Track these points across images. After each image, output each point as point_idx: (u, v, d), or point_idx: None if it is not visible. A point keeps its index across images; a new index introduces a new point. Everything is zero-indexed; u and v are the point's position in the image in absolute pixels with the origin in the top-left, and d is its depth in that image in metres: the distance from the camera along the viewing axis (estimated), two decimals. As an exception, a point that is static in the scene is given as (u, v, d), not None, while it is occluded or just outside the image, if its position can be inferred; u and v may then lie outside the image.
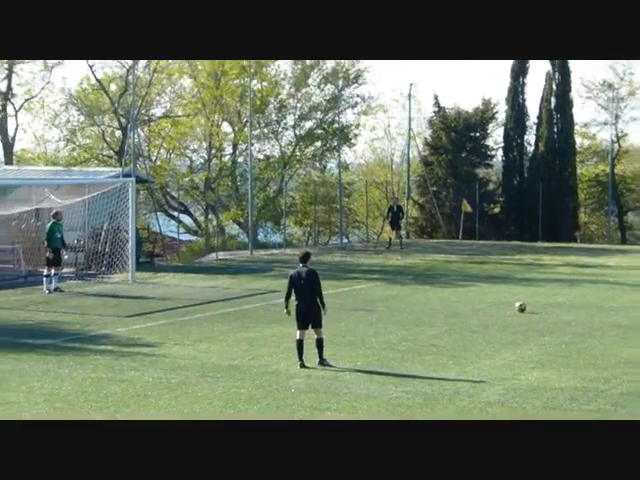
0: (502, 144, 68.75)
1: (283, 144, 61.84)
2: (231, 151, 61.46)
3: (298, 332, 20.89)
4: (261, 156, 60.98)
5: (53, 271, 33.22)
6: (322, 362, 20.59)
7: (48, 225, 34.61)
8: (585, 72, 70.94)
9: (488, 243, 58.60)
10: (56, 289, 32.90)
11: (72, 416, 16.23)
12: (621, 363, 21.50)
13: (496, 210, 68.55)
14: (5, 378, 19.52)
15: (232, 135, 60.20)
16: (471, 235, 62.45)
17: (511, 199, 67.04)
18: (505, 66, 67.28)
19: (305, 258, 21.49)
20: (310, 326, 20.84)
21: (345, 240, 61.86)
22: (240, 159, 60.64)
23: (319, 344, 20.73)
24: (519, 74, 67.25)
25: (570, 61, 66.77)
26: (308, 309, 20.87)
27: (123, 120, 54.88)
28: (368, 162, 73.85)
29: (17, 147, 56.49)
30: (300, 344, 20.80)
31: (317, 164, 64.69)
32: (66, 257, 34.90)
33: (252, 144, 55.99)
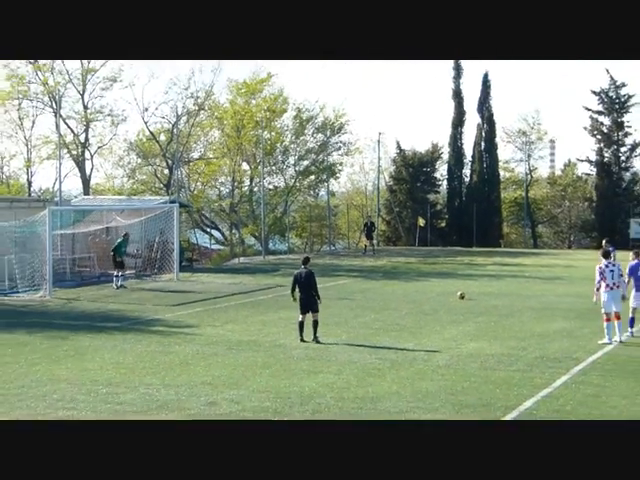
0: (446, 176, 68.78)
1: (287, 178, 61.80)
2: (249, 183, 61.41)
3: (300, 316, 20.88)
4: (271, 187, 60.88)
5: (120, 272, 33.21)
6: (315, 339, 20.50)
7: (118, 240, 35.07)
8: (505, 123, 70.93)
9: (437, 249, 58.58)
10: (121, 286, 32.87)
11: (126, 381, 16.15)
12: (535, 335, 21.48)
13: (442, 224, 68.54)
14: (84, 352, 19.46)
15: (249, 171, 60.16)
16: (424, 243, 62.45)
17: (453, 216, 67.08)
18: (447, 118, 67.19)
19: (305, 261, 21.66)
20: (310, 312, 20.77)
21: (332, 247, 61.80)
22: (255, 189, 60.56)
23: (315, 325, 20.65)
24: (458, 125, 67.29)
25: (494, 114, 66.95)
26: (307, 299, 20.87)
27: (170, 161, 54.79)
28: (348, 190, 73.85)
29: (92, 182, 56.35)
30: (301, 325, 20.80)
31: (312, 192, 64.70)
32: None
33: (264, 178, 56.11)
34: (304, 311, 20.90)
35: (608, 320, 20.44)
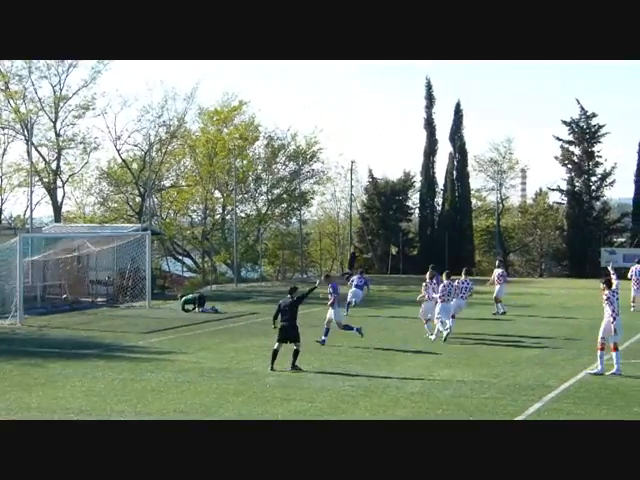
0: (418, 204, 69.13)
1: (259, 205, 61.91)
2: (221, 211, 61.42)
3: (276, 344, 20.59)
4: (243, 214, 60.96)
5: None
6: (294, 367, 20.25)
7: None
8: (477, 152, 71.50)
9: (409, 276, 58.63)
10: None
11: (97, 408, 16.07)
12: (507, 363, 21.54)
13: (415, 252, 68.72)
14: (55, 379, 19.30)
15: (222, 199, 60.19)
16: (397, 271, 62.56)
17: (425, 244, 67.28)
18: (420, 147, 67.60)
19: (291, 291, 21.35)
20: (289, 341, 20.45)
21: (304, 275, 61.77)
22: (227, 217, 60.59)
23: (295, 354, 20.35)
24: (430, 154, 67.74)
25: (466, 143, 67.42)
26: (288, 328, 20.52)
27: (142, 189, 54.74)
28: (321, 218, 74.05)
29: (64, 209, 56.13)
30: (275, 353, 20.50)
31: (284, 220, 64.75)
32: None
33: (236, 206, 56.13)
34: (282, 339, 20.55)
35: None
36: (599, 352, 20.03)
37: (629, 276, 36.09)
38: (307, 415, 15.54)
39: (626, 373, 19.91)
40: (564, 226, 67.83)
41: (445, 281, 26.11)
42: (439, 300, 25.63)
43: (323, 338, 24.80)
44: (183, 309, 34.55)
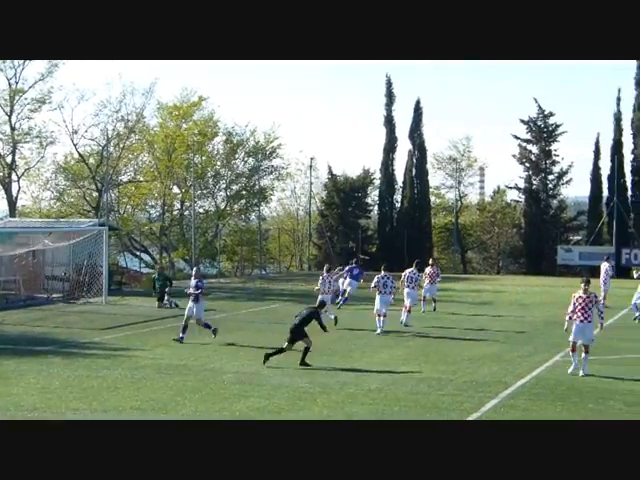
0: (378, 201, 69.30)
1: (218, 201, 61.74)
2: (179, 207, 61.14)
3: (286, 344, 20.64)
4: (201, 210, 60.72)
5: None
6: (303, 363, 20.34)
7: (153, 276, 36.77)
8: (436, 149, 71.88)
9: (368, 273, 58.63)
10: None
11: (52, 406, 15.93)
12: (464, 360, 21.65)
13: (374, 249, 68.90)
14: (9, 376, 19.09)
15: (180, 195, 59.92)
16: (355, 268, 62.57)
17: (384, 241, 67.47)
18: (379, 144, 67.81)
19: (320, 305, 22.47)
20: (299, 341, 20.57)
21: (263, 272, 61.73)
22: (186, 213, 60.34)
23: (305, 351, 20.43)
24: (389, 151, 67.91)
25: (425, 141, 67.76)
26: (297, 330, 20.59)
27: (99, 184, 54.36)
28: (280, 215, 73.99)
29: (19, 204, 55.52)
30: (280, 351, 20.56)
31: (243, 216, 64.63)
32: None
33: (195, 202, 55.93)
34: (291, 340, 20.62)
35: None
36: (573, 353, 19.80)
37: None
38: (265, 412, 15.52)
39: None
40: (521, 224, 68.35)
41: (382, 273, 27.51)
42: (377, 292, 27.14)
43: (181, 335, 24.42)
44: (154, 288, 34.89)
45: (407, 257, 60.19)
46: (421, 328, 27.79)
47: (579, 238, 68.61)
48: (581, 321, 19.54)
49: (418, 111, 68.12)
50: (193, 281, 25.32)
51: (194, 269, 27.56)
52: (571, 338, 19.66)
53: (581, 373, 19.37)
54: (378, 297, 27.16)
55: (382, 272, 27.73)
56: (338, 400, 16.65)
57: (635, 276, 34.42)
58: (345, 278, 35.57)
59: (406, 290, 29.09)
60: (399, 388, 17.86)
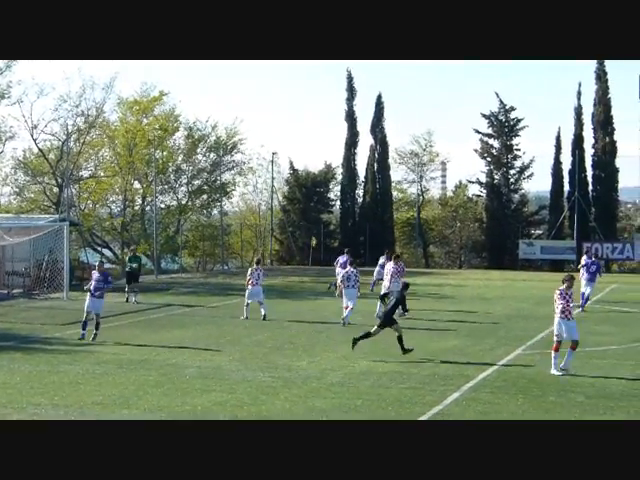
0: (340, 196, 69.43)
1: (179, 197, 61.52)
2: (141, 202, 60.85)
3: (377, 328, 21.31)
4: (163, 205, 60.48)
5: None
6: (403, 350, 21.00)
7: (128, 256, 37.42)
8: (398, 144, 71.88)
9: (330, 268, 58.78)
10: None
11: (13, 401, 15.83)
12: (427, 353, 21.74)
13: (336, 244, 68.90)
14: (-32, 372, 18.92)
15: (141, 190, 59.65)
16: (318, 262, 62.75)
17: (347, 236, 67.52)
18: (341, 139, 67.95)
19: (404, 286, 22.57)
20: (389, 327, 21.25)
21: (225, 267, 61.62)
22: (147, 208, 60.08)
23: (399, 340, 21.10)
24: (351, 146, 68.05)
25: (387, 135, 67.95)
26: (387, 316, 21.37)
27: (59, 179, 53.94)
28: (242, 210, 73.89)
29: (-23, 200, 55.11)
30: (367, 335, 21.32)
31: (204, 211, 64.48)
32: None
33: (156, 197, 55.70)
34: (382, 326, 21.25)
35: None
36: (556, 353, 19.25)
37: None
38: (227, 406, 15.51)
39: (543, 363, 20.29)
40: (483, 218, 68.73)
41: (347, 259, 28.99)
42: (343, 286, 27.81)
43: (82, 332, 23.79)
44: (131, 269, 35.23)
45: (369, 252, 60.49)
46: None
47: (540, 232, 69.17)
48: (571, 318, 19.18)
49: (379, 106, 68.28)
50: (96, 274, 24.35)
51: (97, 262, 26.88)
52: (573, 337, 19.09)
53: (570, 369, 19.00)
54: (343, 291, 27.85)
55: (348, 267, 28.55)
56: (300, 394, 16.67)
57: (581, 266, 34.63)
58: (338, 267, 37.15)
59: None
60: (361, 382, 17.92)
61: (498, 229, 65.50)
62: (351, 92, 68.00)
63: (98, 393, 16.58)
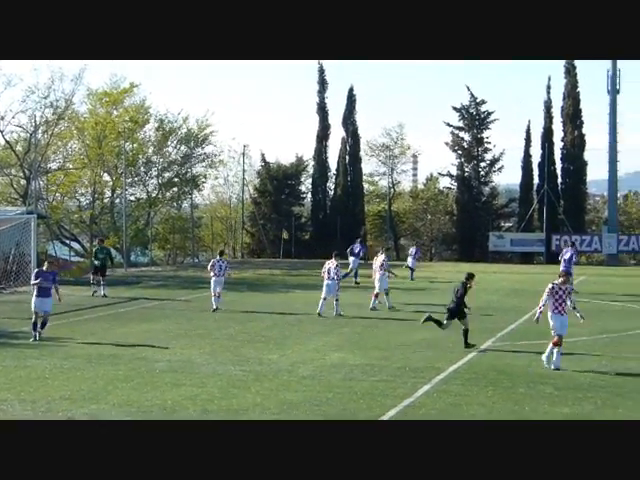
0: (311, 189, 69.40)
1: (149, 189, 61.20)
2: (110, 195, 60.48)
3: (445, 321, 21.93)
4: (133, 198, 60.19)
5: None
6: (467, 345, 21.24)
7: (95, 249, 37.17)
8: (369, 137, 72.10)
9: (301, 261, 58.89)
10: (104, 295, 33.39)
11: (-13, 395, 15.65)
12: (398, 346, 21.77)
13: (307, 237, 69.01)
14: None
15: (111, 183, 59.29)
16: (289, 255, 62.70)
17: (318, 229, 67.64)
18: (312, 132, 68.02)
19: (468, 277, 22.31)
20: (457, 319, 21.56)
21: (196, 260, 61.42)
22: (117, 200, 59.73)
23: (464, 333, 21.36)
24: (322, 139, 68.05)
25: (358, 128, 67.99)
26: (454, 308, 21.59)
27: (27, 172, 53.50)
28: (213, 202, 73.67)
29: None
30: (438, 322, 21.99)
31: (175, 204, 64.23)
32: None
33: (126, 189, 55.40)
34: (450, 317, 21.69)
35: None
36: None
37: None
38: (197, 400, 15.42)
39: (513, 354, 20.37)
40: (454, 211, 68.97)
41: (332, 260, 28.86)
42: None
43: (34, 334, 22.69)
44: (97, 258, 35.08)
45: (340, 244, 60.46)
46: (355, 315, 27.87)
47: (510, 225, 69.58)
48: (564, 313, 18.78)
49: (351, 98, 68.29)
50: (44, 272, 23.37)
51: (48, 261, 25.23)
52: (562, 332, 18.64)
53: (552, 366, 18.64)
54: (324, 282, 28.38)
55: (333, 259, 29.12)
56: (272, 387, 16.61)
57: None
58: (350, 256, 41.35)
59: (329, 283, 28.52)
60: (333, 375, 17.89)
61: (468, 222, 65.74)
62: (323, 85, 67.99)
63: (66, 388, 16.43)
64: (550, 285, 18.97)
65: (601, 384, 17.22)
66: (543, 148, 64.36)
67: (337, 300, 28.03)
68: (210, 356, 20.08)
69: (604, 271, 50.34)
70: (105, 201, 60.45)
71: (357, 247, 41.93)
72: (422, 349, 21.32)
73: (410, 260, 45.48)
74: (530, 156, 65.91)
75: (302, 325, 25.75)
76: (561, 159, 64.97)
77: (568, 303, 18.78)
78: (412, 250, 46.50)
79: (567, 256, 35.91)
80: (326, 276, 28.40)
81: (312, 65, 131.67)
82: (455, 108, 67.51)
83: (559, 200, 63.74)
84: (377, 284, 30.17)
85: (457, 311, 21.56)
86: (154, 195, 60.90)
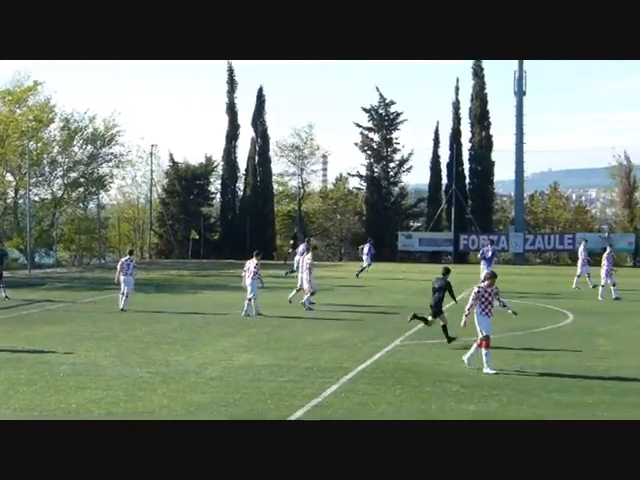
0: (220, 189, 69.16)
1: (54, 189, 60.20)
2: (13, 195, 59.33)
3: (430, 317, 22.42)
4: (37, 198, 59.15)
5: None
6: (448, 339, 21.74)
7: None
8: (279, 137, 72.22)
9: (210, 261, 58.63)
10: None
11: None
12: (306, 346, 21.80)
13: (216, 237, 68.75)
14: None
15: (14, 183, 58.16)
16: (197, 256, 62.36)
17: (227, 229, 67.45)
18: (222, 132, 67.80)
19: (445, 272, 22.60)
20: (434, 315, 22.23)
21: (103, 261, 60.63)
22: (20, 201, 58.61)
23: (443, 329, 21.85)
24: (232, 139, 67.85)
25: (268, 128, 67.96)
26: (434, 306, 22.17)
27: None
28: (120, 203, 72.83)
29: None
30: (426, 322, 22.56)
31: (81, 205, 63.33)
32: None
33: (30, 190, 54.34)
34: (434, 314, 22.15)
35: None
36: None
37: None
38: (102, 403, 15.20)
39: (420, 353, 20.58)
40: (363, 211, 69.45)
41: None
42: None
43: None
44: None
45: (249, 245, 60.37)
46: (263, 315, 27.82)
47: (419, 225, 70.30)
48: (491, 315, 18.91)
49: (261, 98, 68.22)
50: None
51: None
52: (488, 332, 18.70)
53: (485, 368, 18.50)
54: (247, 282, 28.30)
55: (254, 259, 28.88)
56: (179, 389, 16.48)
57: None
58: (365, 255, 46.71)
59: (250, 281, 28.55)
60: (240, 376, 17.83)
61: (378, 221, 66.22)
62: (232, 85, 67.81)
63: (-35, 392, 16.04)
64: (476, 289, 19.07)
65: (506, 382, 17.51)
66: (451, 149, 65.24)
67: (249, 300, 27.89)
68: (116, 358, 19.82)
69: (511, 270, 51.19)
70: (8, 201, 59.32)
71: (367, 247, 47.16)
72: (330, 349, 21.38)
73: (365, 258, 47.21)
74: (439, 157, 66.74)
75: (210, 326, 25.61)
76: (469, 160, 65.92)
77: (496, 303, 19.05)
78: (366, 248, 47.71)
79: (489, 255, 36.94)
80: (247, 274, 28.24)
81: (221, 65, 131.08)
82: (365, 109, 67.96)
83: (467, 200, 64.68)
84: (306, 285, 30.14)
85: (440, 307, 22.20)
86: (59, 195, 59.98)
